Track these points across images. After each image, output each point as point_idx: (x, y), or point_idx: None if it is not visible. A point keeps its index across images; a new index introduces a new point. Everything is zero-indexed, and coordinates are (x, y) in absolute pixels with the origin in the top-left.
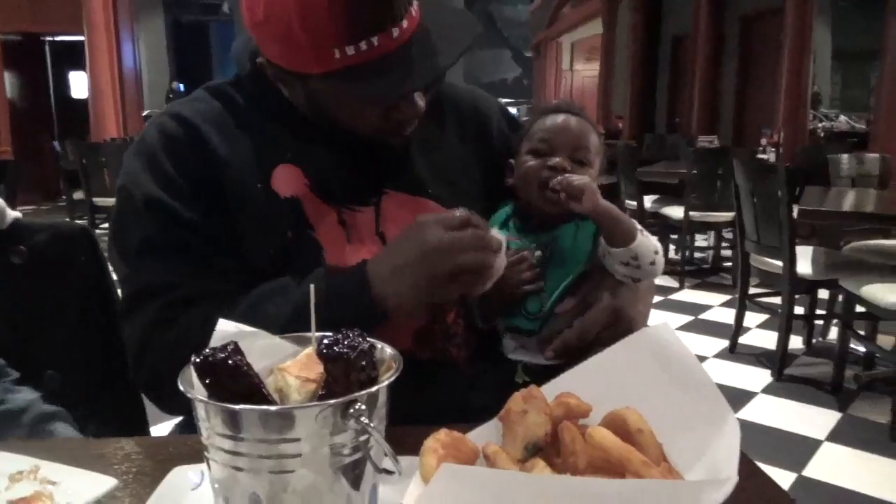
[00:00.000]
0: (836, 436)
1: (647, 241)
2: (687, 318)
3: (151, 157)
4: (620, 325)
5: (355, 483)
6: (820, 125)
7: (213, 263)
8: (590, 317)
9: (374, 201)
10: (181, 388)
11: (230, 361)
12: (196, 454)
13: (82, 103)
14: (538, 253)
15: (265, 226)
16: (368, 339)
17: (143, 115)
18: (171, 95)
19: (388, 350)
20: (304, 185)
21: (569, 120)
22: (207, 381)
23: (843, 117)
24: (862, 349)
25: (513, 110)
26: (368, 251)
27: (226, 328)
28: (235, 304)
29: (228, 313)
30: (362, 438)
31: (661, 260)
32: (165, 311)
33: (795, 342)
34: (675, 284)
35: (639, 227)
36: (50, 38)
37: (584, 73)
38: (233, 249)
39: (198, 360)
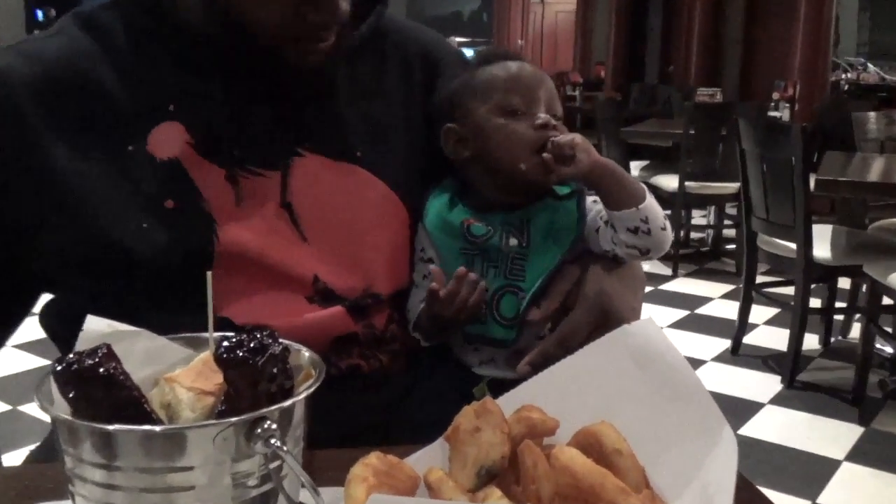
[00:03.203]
0: (857, 455)
1: (655, 202)
2: (681, 313)
3: None
4: (610, 327)
5: None
6: (844, 76)
7: None
8: (573, 319)
9: (283, 164)
10: (37, 403)
11: (101, 370)
12: (58, 488)
13: None
14: (513, 241)
15: (135, 197)
16: (281, 339)
17: None
18: (29, 24)
19: (306, 354)
20: (187, 144)
21: (533, 69)
22: (72, 395)
23: (871, 67)
24: (889, 350)
25: (468, 53)
26: (268, 223)
27: (96, 326)
28: None
29: None
30: (273, 465)
31: (670, 227)
32: None
33: (810, 341)
34: (667, 272)
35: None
36: None
37: (558, 7)
38: (29, 246)
39: (58, 367)
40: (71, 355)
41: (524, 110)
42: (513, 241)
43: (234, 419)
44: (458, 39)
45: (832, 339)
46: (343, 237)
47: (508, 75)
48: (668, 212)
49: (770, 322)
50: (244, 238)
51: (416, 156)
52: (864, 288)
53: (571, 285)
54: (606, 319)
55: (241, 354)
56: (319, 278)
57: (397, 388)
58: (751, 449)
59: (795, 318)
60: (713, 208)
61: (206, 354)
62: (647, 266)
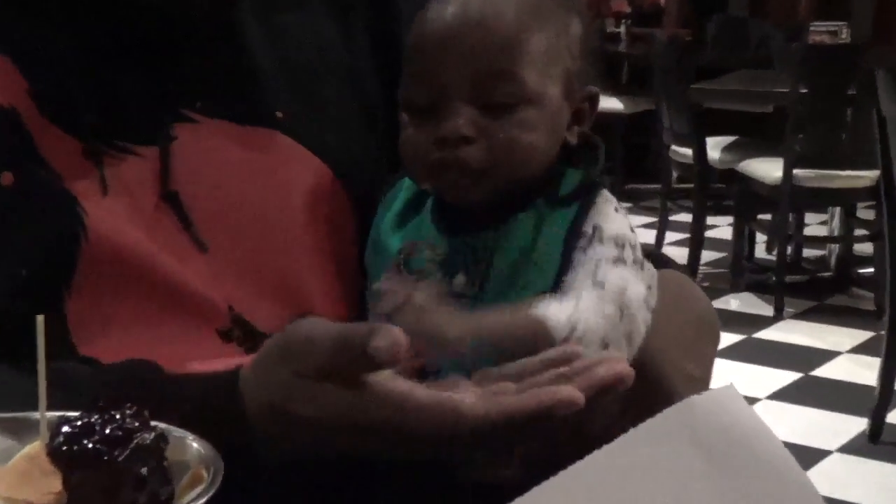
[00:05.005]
0: None
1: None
2: (789, 377)
3: None
4: (652, 403)
5: None
6: None
7: None
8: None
9: (164, 134)
10: None
11: None
12: None
13: None
14: (459, 279)
15: None
16: (155, 422)
17: None
18: None
19: (195, 445)
20: (24, 92)
21: (461, 18)
22: None
23: None
24: None
25: None
26: (145, 225)
27: None
28: None
29: None
30: None
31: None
32: None
33: None
34: (767, 310)
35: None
36: None
37: None
38: None
39: None
40: None
41: (431, 107)
42: (458, 280)
43: None
44: None
45: None
46: (259, 242)
47: (421, 44)
48: (768, 216)
49: None
50: (119, 238)
51: (366, 123)
52: None
53: None
54: (643, 390)
55: (90, 446)
56: (233, 307)
57: (344, 498)
58: None
59: None
60: (838, 211)
61: (35, 446)
62: (728, 301)
